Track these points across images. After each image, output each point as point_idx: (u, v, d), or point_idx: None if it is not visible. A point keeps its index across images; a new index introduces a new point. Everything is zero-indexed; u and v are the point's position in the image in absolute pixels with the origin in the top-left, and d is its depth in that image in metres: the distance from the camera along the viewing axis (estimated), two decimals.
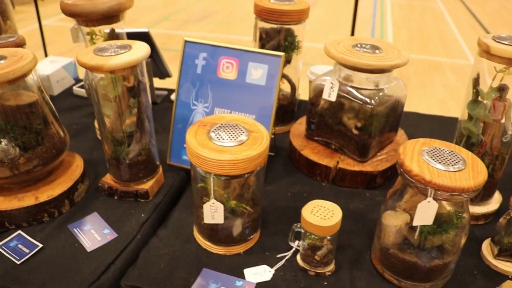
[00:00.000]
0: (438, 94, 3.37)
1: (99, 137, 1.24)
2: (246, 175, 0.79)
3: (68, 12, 1.07)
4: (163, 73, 1.47)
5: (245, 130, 0.81)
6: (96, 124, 1.25)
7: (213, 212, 0.81)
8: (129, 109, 0.94)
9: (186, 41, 1.07)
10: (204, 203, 0.82)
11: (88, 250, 0.88)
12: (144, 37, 1.32)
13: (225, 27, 4.91)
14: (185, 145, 1.09)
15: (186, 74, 1.07)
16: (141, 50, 0.89)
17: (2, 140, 0.91)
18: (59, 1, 1.09)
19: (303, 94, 1.39)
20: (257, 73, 1.03)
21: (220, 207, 0.81)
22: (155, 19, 5.29)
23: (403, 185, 0.77)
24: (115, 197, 1.01)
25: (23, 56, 0.90)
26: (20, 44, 1.14)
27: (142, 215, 0.97)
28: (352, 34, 2.85)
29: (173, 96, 1.45)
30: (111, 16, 1.10)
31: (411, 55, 4.05)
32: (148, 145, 0.98)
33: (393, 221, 0.79)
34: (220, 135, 0.79)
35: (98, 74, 0.88)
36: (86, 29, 1.14)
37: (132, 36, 1.23)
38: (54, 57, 1.62)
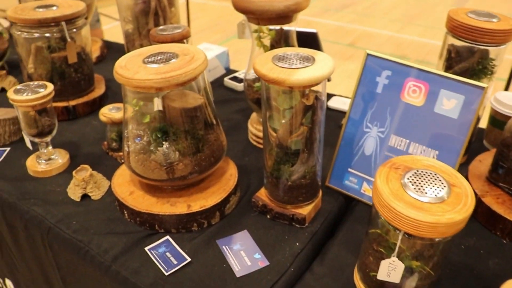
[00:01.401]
0: None
1: (252, 141, 1.17)
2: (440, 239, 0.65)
3: (241, 8, 1.00)
4: None
5: (445, 182, 0.67)
6: (249, 126, 1.18)
7: (391, 270, 0.69)
8: (301, 127, 0.84)
9: (368, 55, 0.94)
10: (376, 250, 0.70)
11: (237, 275, 0.81)
12: (311, 38, 1.21)
13: (365, 20, 4.67)
14: (350, 169, 0.97)
15: (363, 91, 0.94)
16: (326, 64, 0.78)
17: (164, 143, 0.86)
18: None
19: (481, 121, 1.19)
20: (449, 104, 0.87)
21: (401, 266, 0.68)
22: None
23: None
24: (268, 216, 0.93)
25: (195, 56, 0.84)
26: (186, 36, 1.09)
27: (297, 244, 0.87)
28: None
29: (332, 103, 1.33)
30: (285, 16, 1.00)
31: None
32: (314, 168, 0.88)
33: None
34: (417, 185, 0.66)
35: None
36: (254, 26, 1.06)
37: (299, 35, 1.13)
38: (208, 44, 1.59)
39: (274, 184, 0.90)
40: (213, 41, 4.40)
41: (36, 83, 1.04)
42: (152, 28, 1.22)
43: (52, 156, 1.09)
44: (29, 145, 1.11)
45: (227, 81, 1.46)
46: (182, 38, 1.07)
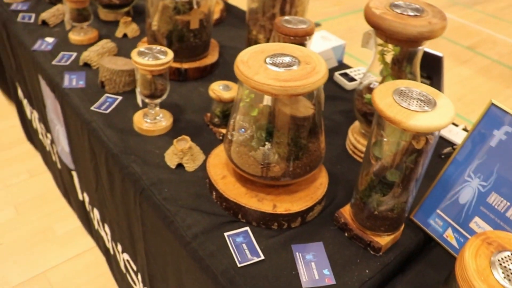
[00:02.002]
0: None
1: (349, 149, 1.16)
2: None
3: (373, 23, 0.97)
4: None
5: None
6: (350, 133, 1.16)
7: None
8: (403, 164, 0.82)
9: (492, 104, 0.88)
10: None
11: (303, 286, 0.84)
12: (435, 61, 1.15)
13: (494, 22, 4.29)
14: (438, 211, 0.94)
15: (476, 138, 0.89)
16: (447, 113, 0.74)
17: (267, 143, 0.89)
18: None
19: None
20: None
21: None
22: None
23: None
24: (346, 234, 0.94)
25: (316, 67, 0.83)
26: (309, 33, 1.08)
27: (367, 271, 0.88)
28: None
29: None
30: (416, 40, 0.96)
31: None
32: (404, 204, 0.87)
33: None
34: (507, 270, 0.63)
35: None
36: (379, 40, 1.03)
37: (424, 55, 1.07)
38: (326, 33, 1.56)
39: (360, 208, 0.90)
40: (327, 13, 4.29)
41: (158, 48, 1.09)
42: (277, 13, 1.22)
43: (158, 117, 1.16)
44: (139, 102, 1.18)
45: (337, 76, 1.44)
46: (305, 35, 1.06)
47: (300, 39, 1.06)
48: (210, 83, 1.16)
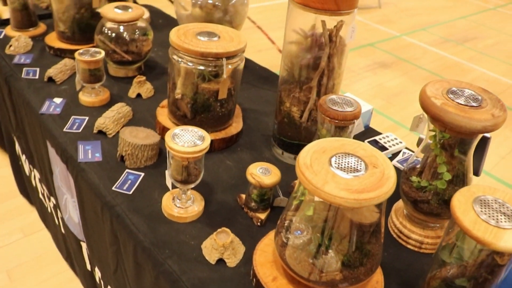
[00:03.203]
0: None
1: (392, 233, 1.09)
2: None
3: (434, 115, 0.90)
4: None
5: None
6: (393, 214, 1.09)
7: None
8: (480, 274, 0.75)
9: None
10: None
11: None
12: (482, 141, 1.10)
13: (485, 59, 4.35)
14: None
15: None
16: None
17: (330, 251, 0.81)
18: None
19: None
20: None
21: None
22: (412, 24, 4.96)
23: None
24: None
25: (385, 172, 0.77)
26: (357, 116, 1.02)
27: None
28: None
29: None
30: (477, 133, 0.91)
31: None
32: None
33: None
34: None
35: None
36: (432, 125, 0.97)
37: None
38: (351, 95, 1.50)
39: None
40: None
41: (194, 129, 1.00)
42: (314, 86, 1.16)
43: (189, 202, 1.07)
44: (169, 185, 1.09)
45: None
46: (353, 119, 1.00)
47: (348, 122, 1.00)
48: (236, 154, 1.09)
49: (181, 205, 1.06)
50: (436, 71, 3.90)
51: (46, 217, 1.92)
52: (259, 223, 1.06)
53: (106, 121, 1.32)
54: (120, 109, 1.38)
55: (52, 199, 1.64)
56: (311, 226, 0.84)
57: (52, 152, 1.39)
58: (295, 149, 1.27)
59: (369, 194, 0.72)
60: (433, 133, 0.97)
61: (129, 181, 1.16)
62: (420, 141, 1.09)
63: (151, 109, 1.43)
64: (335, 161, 0.77)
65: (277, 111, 1.26)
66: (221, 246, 0.95)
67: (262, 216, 1.07)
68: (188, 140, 0.97)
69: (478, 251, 0.75)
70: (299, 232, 0.85)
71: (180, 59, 1.20)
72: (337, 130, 1.04)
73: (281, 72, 1.24)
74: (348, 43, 1.12)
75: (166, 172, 1.07)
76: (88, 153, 1.25)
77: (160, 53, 1.83)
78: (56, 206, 1.63)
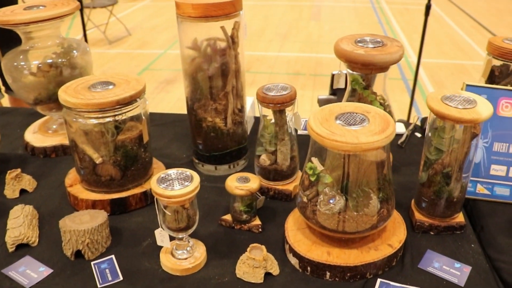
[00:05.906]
0: None
1: None
2: None
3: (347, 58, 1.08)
4: None
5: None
6: None
7: None
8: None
9: (467, 85, 1.12)
10: None
11: None
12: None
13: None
14: None
15: None
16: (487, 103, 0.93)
17: (374, 196, 0.91)
18: None
19: None
20: None
21: None
22: None
23: None
24: (431, 233, 1.04)
25: (385, 117, 0.91)
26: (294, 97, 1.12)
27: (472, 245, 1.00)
28: None
29: None
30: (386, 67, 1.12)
31: (431, 60, 4.29)
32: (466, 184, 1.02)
33: None
34: None
35: None
36: (350, 77, 1.15)
37: None
38: None
39: (438, 204, 1.05)
40: None
41: (178, 171, 0.95)
42: (229, 91, 1.21)
43: (190, 247, 1.01)
44: (164, 244, 1.00)
45: None
46: (291, 100, 1.10)
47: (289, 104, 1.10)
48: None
49: (187, 254, 1.00)
50: None
51: None
52: (260, 230, 1.08)
53: (21, 230, 1.10)
54: (23, 211, 1.15)
55: None
56: (334, 191, 0.92)
57: None
58: (228, 159, 1.30)
59: (387, 132, 0.85)
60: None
61: (107, 269, 1.01)
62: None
63: (53, 198, 1.25)
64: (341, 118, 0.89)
65: (195, 132, 1.27)
66: (262, 260, 0.94)
67: (258, 221, 1.09)
68: (176, 182, 0.93)
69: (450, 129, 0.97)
70: (332, 200, 0.92)
71: (89, 120, 1.09)
72: (277, 114, 1.12)
73: (188, 95, 1.24)
74: (243, 40, 1.20)
75: (157, 231, 0.99)
76: (25, 275, 1.01)
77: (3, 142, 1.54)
78: None
